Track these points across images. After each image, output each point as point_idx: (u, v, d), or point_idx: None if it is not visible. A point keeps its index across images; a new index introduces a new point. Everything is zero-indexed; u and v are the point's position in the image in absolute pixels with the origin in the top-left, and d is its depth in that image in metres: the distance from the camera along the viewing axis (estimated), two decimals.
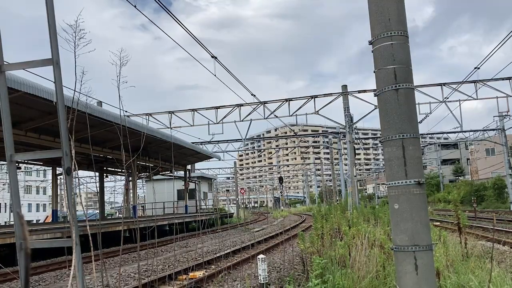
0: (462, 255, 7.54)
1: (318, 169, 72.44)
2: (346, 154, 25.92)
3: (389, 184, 4.01)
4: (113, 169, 29.49)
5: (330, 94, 24.30)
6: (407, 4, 4.26)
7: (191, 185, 35.03)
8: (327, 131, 62.58)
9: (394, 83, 3.98)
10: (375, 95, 4.24)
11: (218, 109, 26.12)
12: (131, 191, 26.50)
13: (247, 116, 26.00)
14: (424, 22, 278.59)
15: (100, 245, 3.93)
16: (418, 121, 4.28)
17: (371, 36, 4.21)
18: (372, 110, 23.85)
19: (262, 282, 7.50)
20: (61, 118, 1.68)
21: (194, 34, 11.27)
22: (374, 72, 4.20)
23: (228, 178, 75.01)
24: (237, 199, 47.71)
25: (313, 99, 24.53)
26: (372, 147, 65.91)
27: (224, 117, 26.02)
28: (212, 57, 14.24)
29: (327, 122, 29.09)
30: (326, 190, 53.76)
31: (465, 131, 34.42)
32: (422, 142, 43.98)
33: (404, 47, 4.06)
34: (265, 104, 25.29)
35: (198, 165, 39.75)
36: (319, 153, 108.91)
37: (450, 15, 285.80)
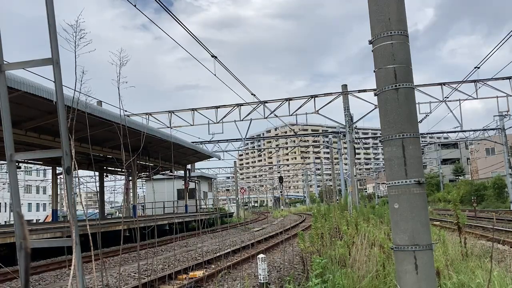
0: (461, 255, 7.54)
1: (318, 169, 72.40)
2: (346, 154, 25.91)
3: (389, 183, 4.01)
4: (113, 169, 29.49)
5: (330, 94, 24.29)
6: (407, 7, 4.26)
7: (191, 185, 35.03)
8: (327, 130, 62.56)
9: (394, 82, 3.98)
10: (375, 94, 4.24)
11: (218, 109, 26.11)
12: (131, 190, 26.50)
13: (247, 115, 26.01)
14: (425, 25, 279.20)
15: (100, 245, 3.94)
16: (418, 121, 4.28)
17: (371, 36, 4.20)
18: (372, 110, 23.86)
19: (262, 281, 7.51)
20: (61, 117, 1.68)
21: (194, 34, 11.28)
22: (374, 71, 4.20)
23: (228, 177, 75.03)
24: (237, 198, 47.72)
25: (313, 98, 24.52)
26: (372, 147, 65.97)
27: (224, 116, 26.02)
28: (212, 56, 14.24)
29: (327, 121, 29.16)
30: (326, 190, 53.74)
31: (465, 131, 34.44)
32: (422, 141, 43.97)
33: (404, 47, 4.06)
34: (265, 104, 25.28)
35: (198, 164, 39.82)
36: (319, 152, 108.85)
37: (451, 18, 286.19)
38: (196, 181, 36.81)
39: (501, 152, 36.50)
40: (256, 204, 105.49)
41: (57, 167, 24.92)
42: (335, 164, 44.72)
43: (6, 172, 35.54)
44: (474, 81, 23.43)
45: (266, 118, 25.61)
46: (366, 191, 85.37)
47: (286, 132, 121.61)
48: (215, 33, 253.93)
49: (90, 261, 9.89)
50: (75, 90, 3.32)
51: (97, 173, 28.69)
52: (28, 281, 1.47)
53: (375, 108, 22.86)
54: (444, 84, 23.99)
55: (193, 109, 26.33)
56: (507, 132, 34.11)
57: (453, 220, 12.19)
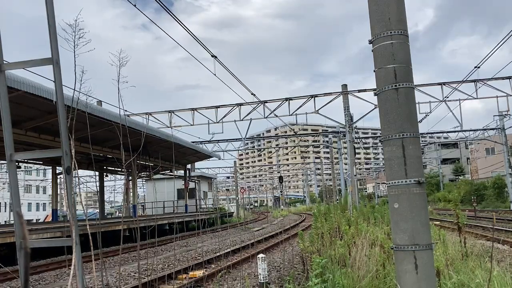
0: (461, 255, 7.54)
1: (318, 169, 72.39)
2: (346, 154, 25.91)
3: (389, 183, 4.01)
4: (113, 169, 29.49)
5: (330, 94, 24.28)
6: (407, 7, 4.26)
7: (191, 185, 35.03)
8: (327, 130, 62.52)
9: (394, 82, 3.97)
10: (375, 94, 4.24)
11: (218, 109, 26.10)
12: (131, 190, 26.50)
13: (247, 115, 26.00)
14: (425, 26, 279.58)
15: (100, 245, 3.94)
16: (418, 121, 4.28)
17: (371, 35, 4.20)
18: (372, 110, 23.85)
19: (262, 281, 7.51)
20: (61, 117, 1.68)
21: (195, 34, 11.27)
22: (374, 71, 4.20)
23: (228, 177, 75.03)
24: (237, 198, 47.74)
25: (313, 98, 24.52)
26: (372, 147, 65.89)
27: (224, 116, 26.01)
28: (212, 56, 14.23)
29: (327, 121, 29.11)
30: (326, 190, 53.73)
31: (465, 131, 34.46)
32: (422, 141, 43.93)
33: (404, 47, 4.06)
34: (265, 104, 25.27)
35: (198, 164, 39.81)
36: (319, 152, 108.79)
37: (451, 18, 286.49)
38: (196, 181, 36.81)
39: (501, 152, 36.49)
40: (256, 204, 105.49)
41: (57, 167, 24.92)
42: (335, 164, 44.70)
43: (6, 171, 35.54)
44: (474, 80, 23.42)
45: (266, 118, 25.60)
46: (366, 191, 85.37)
47: (286, 132, 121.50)
48: (215, 33, 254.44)
49: (90, 260, 9.89)
50: (74, 90, 3.32)
51: (97, 173, 28.69)
52: (28, 281, 1.48)
53: (375, 108, 22.86)
54: (444, 84, 23.98)
55: (193, 109, 26.32)
56: (507, 132, 34.10)
57: (453, 220, 12.17)
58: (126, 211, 27.20)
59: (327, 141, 45.66)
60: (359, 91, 23.88)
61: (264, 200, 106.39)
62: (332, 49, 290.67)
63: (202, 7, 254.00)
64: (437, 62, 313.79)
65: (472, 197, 31.23)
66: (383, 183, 68.88)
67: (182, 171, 33.83)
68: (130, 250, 16.21)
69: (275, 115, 25.32)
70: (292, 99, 25.07)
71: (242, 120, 25.95)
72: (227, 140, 32.46)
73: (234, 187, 54.90)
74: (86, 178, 44.62)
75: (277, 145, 69.36)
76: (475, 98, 24.11)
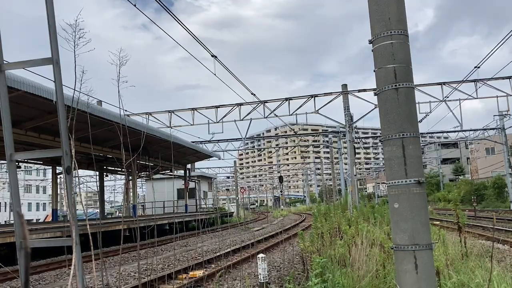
0: (461, 254, 7.54)
1: (318, 168, 72.41)
2: (346, 153, 25.90)
3: (389, 183, 4.01)
4: (113, 168, 29.49)
5: (330, 93, 24.29)
6: (407, 7, 4.26)
7: (191, 184, 35.02)
8: (327, 130, 62.50)
9: (394, 82, 3.97)
10: (375, 94, 4.24)
11: (218, 108, 26.10)
12: (131, 190, 26.50)
13: (247, 115, 26.01)
14: (425, 26, 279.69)
15: (100, 244, 3.94)
16: (418, 120, 4.28)
17: (371, 35, 4.20)
18: (372, 109, 23.85)
19: (262, 281, 7.50)
20: (61, 117, 1.68)
21: (195, 34, 11.27)
22: (374, 71, 4.20)
23: (228, 177, 75.03)
24: (237, 198, 47.74)
25: (313, 98, 24.52)
26: (372, 146, 65.90)
27: (224, 116, 26.02)
28: (212, 56, 14.23)
29: (327, 121, 29.11)
30: (326, 189, 53.74)
31: (465, 130, 34.47)
32: (422, 141, 43.90)
33: (404, 46, 4.06)
34: (265, 103, 25.27)
35: (198, 164, 39.81)
36: (319, 152, 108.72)
37: (451, 19, 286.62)
38: (196, 181, 36.81)
39: (501, 151, 36.48)
40: (256, 204, 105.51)
41: (57, 167, 24.92)
42: (335, 164, 44.70)
43: (6, 171, 35.53)
44: (474, 80, 23.42)
45: (266, 117, 25.61)
46: (366, 191, 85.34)
47: (286, 132, 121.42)
48: (215, 33, 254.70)
49: (90, 260, 9.89)
50: (75, 89, 3.32)
51: (97, 173, 28.69)
52: (28, 281, 1.48)
53: (375, 107, 22.85)
54: (444, 83, 23.98)
55: (193, 109, 26.32)
56: (507, 131, 34.09)
57: (453, 220, 12.18)
58: (126, 211, 27.20)
59: (327, 141, 45.66)
60: (359, 91, 23.89)
61: (264, 200, 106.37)
62: (332, 49, 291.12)
63: (202, 7, 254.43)
64: (437, 62, 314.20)
65: (472, 197, 31.22)
66: (383, 183, 68.87)
67: (182, 171, 33.83)
68: (130, 250, 16.20)
69: (275, 115, 25.33)
70: (292, 99, 25.08)
71: (242, 120, 25.96)
72: (227, 140, 32.46)
73: (234, 187, 54.89)
74: (86, 178, 44.67)
75: (277, 145, 69.42)
76: (475, 98, 24.13)
